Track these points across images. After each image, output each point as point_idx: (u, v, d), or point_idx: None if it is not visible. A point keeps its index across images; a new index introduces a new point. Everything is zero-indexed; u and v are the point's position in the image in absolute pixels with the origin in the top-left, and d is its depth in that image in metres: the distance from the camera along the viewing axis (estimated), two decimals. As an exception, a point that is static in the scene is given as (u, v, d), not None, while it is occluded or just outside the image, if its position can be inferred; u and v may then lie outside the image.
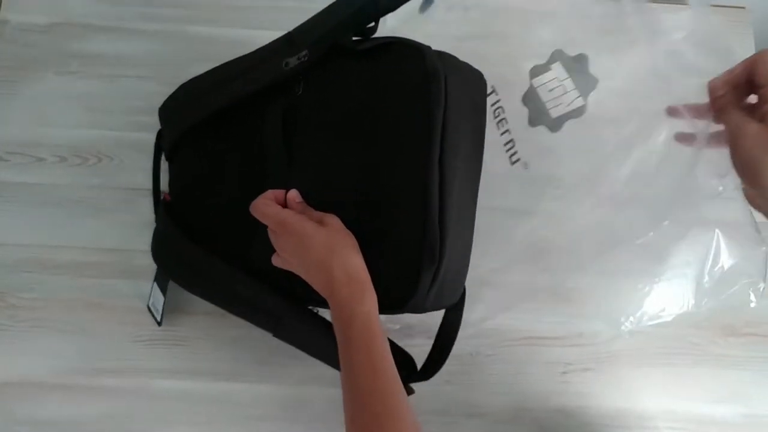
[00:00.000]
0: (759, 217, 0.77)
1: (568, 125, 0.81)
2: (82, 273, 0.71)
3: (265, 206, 0.53)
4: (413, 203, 0.50)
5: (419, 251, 0.50)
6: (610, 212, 0.76)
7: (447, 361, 0.70)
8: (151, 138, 0.73)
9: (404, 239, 0.51)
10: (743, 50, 0.83)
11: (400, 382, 0.49)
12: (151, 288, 0.68)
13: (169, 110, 0.69)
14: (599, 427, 0.70)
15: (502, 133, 0.81)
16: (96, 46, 0.80)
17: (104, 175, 0.75)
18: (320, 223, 0.52)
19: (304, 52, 0.58)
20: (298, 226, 0.51)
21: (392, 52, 0.56)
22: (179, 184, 0.69)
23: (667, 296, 0.72)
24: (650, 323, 0.72)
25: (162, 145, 0.72)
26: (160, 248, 0.66)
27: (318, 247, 0.50)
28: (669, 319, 0.73)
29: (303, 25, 0.60)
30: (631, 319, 0.72)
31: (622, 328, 0.72)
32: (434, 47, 0.57)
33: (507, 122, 0.81)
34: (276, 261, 0.56)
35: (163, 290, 0.67)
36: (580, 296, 0.74)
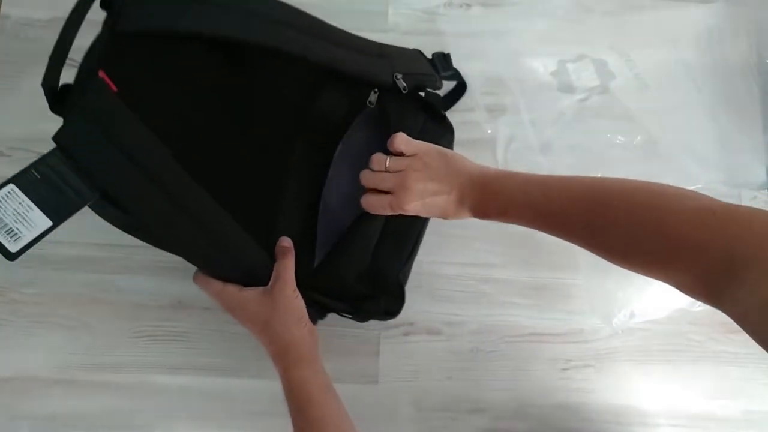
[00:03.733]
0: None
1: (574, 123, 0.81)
2: (83, 268, 0.71)
3: (205, 284, 0.57)
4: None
5: (398, 278, 0.64)
6: None
7: (447, 358, 0.71)
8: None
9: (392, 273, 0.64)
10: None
11: None
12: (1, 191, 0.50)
13: None
14: (600, 423, 0.70)
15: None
16: (97, 41, 0.80)
17: (105, 170, 0.75)
18: (265, 293, 0.55)
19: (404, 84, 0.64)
20: (236, 300, 0.56)
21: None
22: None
23: (661, 293, 0.73)
24: (643, 320, 0.73)
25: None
26: (84, 131, 0.49)
27: (258, 325, 0.56)
28: (662, 316, 0.73)
29: (401, 61, 0.66)
30: (623, 315, 0.72)
31: (614, 324, 0.73)
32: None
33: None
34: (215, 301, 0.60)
35: (46, 202, 0.50)
36: (579, 293, 0.74)
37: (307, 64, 0.57)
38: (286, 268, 0.56)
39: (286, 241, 0.58)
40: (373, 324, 0.70)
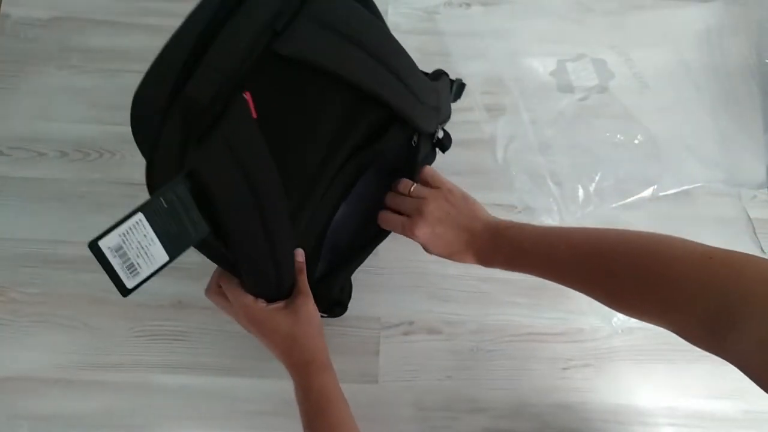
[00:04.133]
0: (755, 216, 0.78)
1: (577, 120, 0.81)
2: (83, 268, 0.71)
3: (235, 296, 0.57)
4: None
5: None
6: (605, 206, 0.77)
7: (448, 358, 0.71)
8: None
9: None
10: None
11: None
12: (129, 221, 0.45)
13: None
14: (600, 422, 0.70)
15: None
16: (97, 40, 0.80)
17: (105, 170, 0.75)
18: (287, 307, 0.57)
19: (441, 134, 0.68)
20: (262, 316, 0.57)
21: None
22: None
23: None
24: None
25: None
26: (220, 160, 0.45)
27: (281, 338, 0.57)
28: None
29: (446, 111, 0.68)
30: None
31: (614, 324, 0.73)
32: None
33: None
34: (226, 312, 0.61)
35: (167, 235, 0.46)
36: (578, 293, 0.74)
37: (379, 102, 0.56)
38: (305, 282, 0.59)
39: (301, 256, 0.59)
40: (373, 324, 0.70)
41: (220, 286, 0.59)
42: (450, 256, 0.60)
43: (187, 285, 0.71)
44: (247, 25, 0.45)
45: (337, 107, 0.53)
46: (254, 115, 0.46)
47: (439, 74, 0.67)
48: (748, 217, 0.78)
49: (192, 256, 0.71)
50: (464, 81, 0.73)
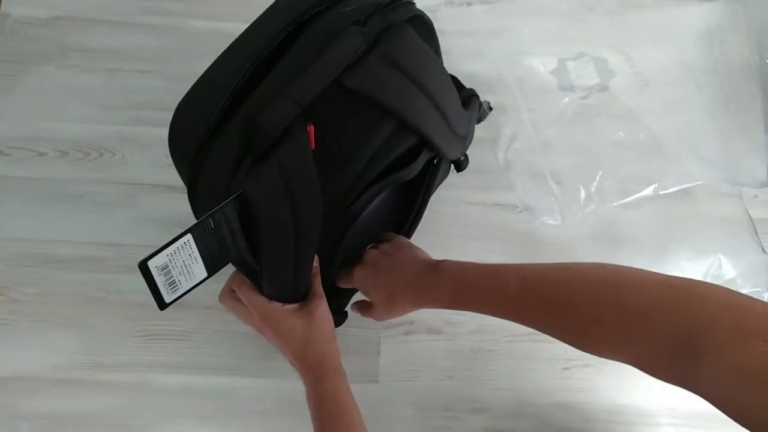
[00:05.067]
0: (756, 215, 0.78)
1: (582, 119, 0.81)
2: (83, 267, 0.71)
3: (250, 295, 0.57)
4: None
5: None
6: (606, 205, 0.77)
7: (448, 358, 0.71)
8: (152, 132, 0.73)
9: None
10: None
11: None
12: (178, 242, 0.44)
13: None
14: (600, 422, 0.70)
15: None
16: (97, 39, 0.80)
17: (105, 169, 0.75)
18: (302, 308, 0.57)
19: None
20: (278, 317, 0.57)
21: None
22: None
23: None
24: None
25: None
26: (272, 186, 0.45)
27: (295, 339, 0.57)
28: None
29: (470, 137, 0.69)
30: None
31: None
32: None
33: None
34: (240, 317, 0.62)
35: (209, 253, 0.47)
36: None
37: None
38: (320, 285, 0.59)
39: (316, 261, 0.60)
40: (373, 323, 0.70)
41: (234, 291, 0.59)
42: (389, 301, 0.59)
43: (188, 285, 0.71)
44: (331, 62, 0.46)
45: (380, 136, 0.53)
46: (312, 146, 0.46)
47: (470, 96, 0.68)
48: (750, 217, 0.77)
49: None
50: (477, 94, 0.73)
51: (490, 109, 0.74)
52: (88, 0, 0.81)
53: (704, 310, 0.39)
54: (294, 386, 0.68)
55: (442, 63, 0.60)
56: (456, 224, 0.75)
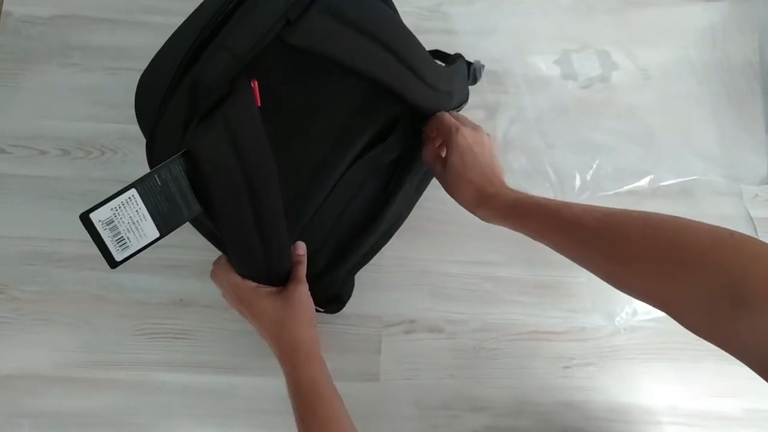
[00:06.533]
0: (756, 214, 0.77)
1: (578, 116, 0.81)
2: (84, 266, 0.71)
3: (224, 275, 0.58)
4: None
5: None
6: (600, 193, 0.77)
7: (449, 356, 0.71)
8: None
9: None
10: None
11: None
12: (122, 196, 0.45)
13: None
14: (602, 421, 0.70)
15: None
16: (99, 38, 0.80)
17: (107, 168, 0.75)
18: (280, 292, 0.58)
19: None
20: (251, 297, 0.57)
21: None
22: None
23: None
24: (645, 318, 0.72)
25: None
26: (218, 142, 0.46)
27: (269, 321, 0.57)
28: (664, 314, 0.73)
29: (460, 95, 0.68)
30: (625, 313, 0.72)
31: (616, 322, 0.72)
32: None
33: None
34: (223, 294, 0.62)
35: (158, 212, 0.47)
36: (582, 291, 0.74)
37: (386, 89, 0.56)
38: (302, 271, 0.59)
39: (302, 249, 0.60)
40: (374, 322, 0.70)
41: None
42: (464, 180, 0.59)
43: (189, 283, 0.71)
44: (261, 10, 0.46)
45: (348, 100, 0.53)
46: (258, 103, 0.46)
47: (456, 58, 0.67)
48: (749, 216, 0.77)
49: (193, 255, 0.72)
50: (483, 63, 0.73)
51: (482, 66, 0.74)
52: (89, -1, 0.81)
53: (759, 262, 0.38)
54: (294, 384, 0.69)
55: (398, 15, 0.58)
56: (456, 222, 0.75)
